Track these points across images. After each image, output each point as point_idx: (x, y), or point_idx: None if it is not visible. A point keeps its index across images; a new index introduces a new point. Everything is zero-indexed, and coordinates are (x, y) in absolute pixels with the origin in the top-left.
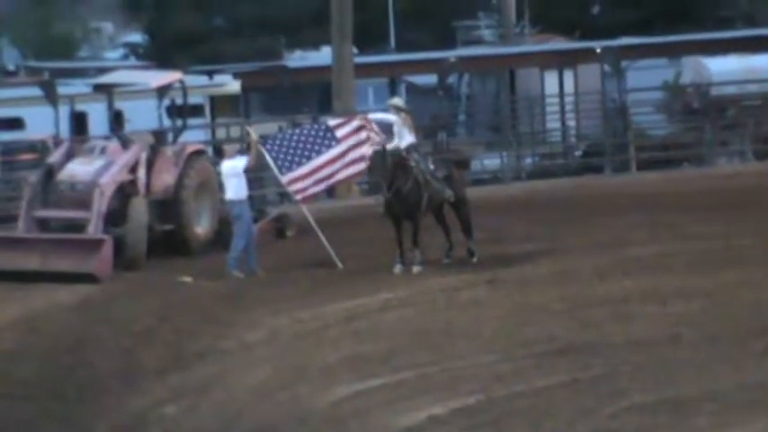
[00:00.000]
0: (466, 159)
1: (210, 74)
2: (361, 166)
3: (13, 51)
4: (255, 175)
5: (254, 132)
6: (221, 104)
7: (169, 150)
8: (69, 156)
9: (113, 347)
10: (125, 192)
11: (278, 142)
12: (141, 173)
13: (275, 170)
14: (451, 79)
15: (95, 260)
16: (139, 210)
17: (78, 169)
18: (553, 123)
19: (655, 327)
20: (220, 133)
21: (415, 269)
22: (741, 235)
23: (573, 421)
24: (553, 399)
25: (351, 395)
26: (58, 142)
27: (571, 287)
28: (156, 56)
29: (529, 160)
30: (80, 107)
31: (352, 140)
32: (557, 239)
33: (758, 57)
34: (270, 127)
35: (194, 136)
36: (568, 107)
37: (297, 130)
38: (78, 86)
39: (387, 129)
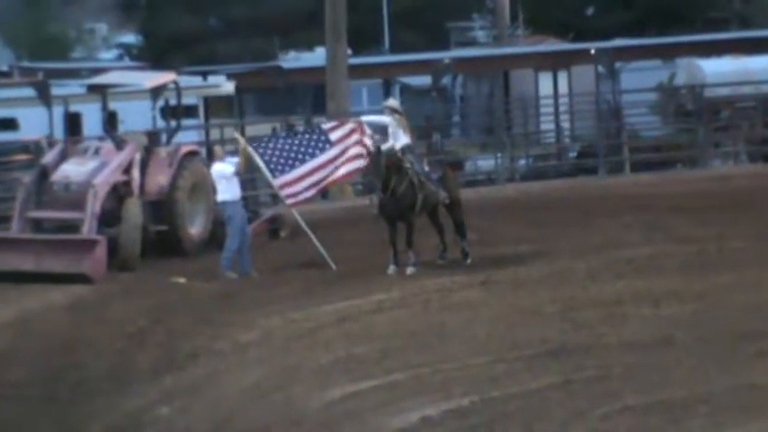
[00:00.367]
0: (459, 160)
1: (204, 75)
2: (358, 163)
3: (6, 52)
4: (247, 176)
5: (242, 139)
6: (215, 105)
7: (163, 151)
8: (63, 156)
9: (107, 348)
10: (119, 192)
11: (271, 145)
12: (135, 174)
13: (267, 174)
14: (445, 80)
15: (89, 261)
16: (133, 210)
17: (72, 170)
18: (547, 125)
19: (648, 329)
20: (214, 134)
21: (409, 270)
22: (734, 237)
23: (566, 423)
24: (546, 400)
25: (344, 396)
26: (51, 143)
27: (564, 289)
28: (150, 56)
29: (523, 161)
30: (74, 108)
31: (346, 142)
32: (550, 241)
33: (752, 58)
34: (264, 128)
35: (188, 137)
36: (562, 108)
37: (290, 138)
38: (72, 87)
39: (381, 130)
